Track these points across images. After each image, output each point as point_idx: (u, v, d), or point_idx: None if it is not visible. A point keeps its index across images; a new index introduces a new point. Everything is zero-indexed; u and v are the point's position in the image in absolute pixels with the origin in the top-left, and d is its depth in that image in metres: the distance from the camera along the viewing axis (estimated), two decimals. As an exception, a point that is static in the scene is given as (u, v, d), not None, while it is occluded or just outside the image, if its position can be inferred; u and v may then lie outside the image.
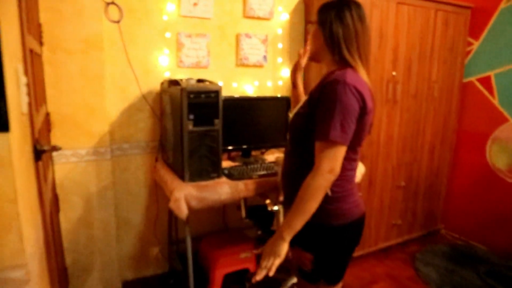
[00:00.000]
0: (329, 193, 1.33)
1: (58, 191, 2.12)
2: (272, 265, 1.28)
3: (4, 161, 0.89)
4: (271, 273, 1.28)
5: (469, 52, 3.03)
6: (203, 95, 1.91)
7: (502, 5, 2.76)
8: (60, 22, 2.00)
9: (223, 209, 2.67)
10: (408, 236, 3.07)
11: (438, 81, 2.90)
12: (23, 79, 1.14)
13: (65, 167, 2.12)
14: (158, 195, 2.44)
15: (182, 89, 1.87)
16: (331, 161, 1.25)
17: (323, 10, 1.42)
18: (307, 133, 1.35)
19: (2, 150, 0.88)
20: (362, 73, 1.37)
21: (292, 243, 1.33)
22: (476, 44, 2.98)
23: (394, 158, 2.80)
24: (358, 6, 1.40)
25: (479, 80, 2.97)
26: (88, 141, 2.16)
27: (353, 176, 1.45)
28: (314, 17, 1.46)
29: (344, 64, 1.37)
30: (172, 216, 2.49)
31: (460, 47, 2.99)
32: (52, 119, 2.05)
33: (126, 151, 2.35)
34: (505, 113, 2.78)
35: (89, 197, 2.20)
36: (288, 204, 1.47)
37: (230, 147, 2.37)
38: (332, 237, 1.40)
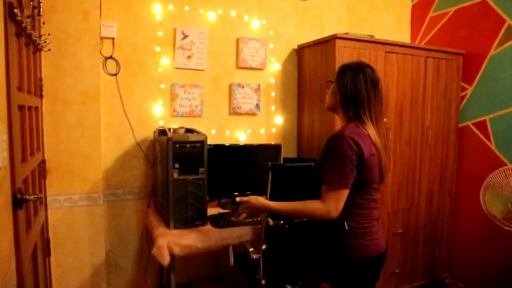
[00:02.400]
0: (346, 227, 1.53)
1: (51, 235, 2.19)
2: (245, 217, 1.70)
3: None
4: (241, 218, 1.71)
5: (463, 97, 3.05)
6: (188, 145, 1.98)
7: (492, 52, 2.80)
8: (60, 76, 2.15)
9: (216, 255, 2.67)
10: (409, 286, 2.96)
11: (432, 126, 2.91)
12: (3, 137, 1.24)
13: (58, 212, 2.19)
14: (149, 240, 2.48)
15: (168, 139, 1.95)
16: (334, 202, 1.47)
17: (342, 73, 1.61)
18: (319, 182, 1.57)
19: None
20: (370, 129, 1.55)
21: (312, 276, 1.64)
22: (470, 89, 3.00)
23: (389, 204, 2.77)
24: (373, 71, 1.61)
25: (475, 124, 2.97)
26: (82, 187, 2.24)
27: (371, 214, 1.59)
28: (333, 75, 1.68)
29: (352, 120, 1.57)
30: (163, 262, 2.51)
31: (454, 93, 3.02)
32: (49, 166, 2.16)
33: (119, 197, 2.43)
34: (502, 158, 2.74)
35: (81, 241, 2.26)
36: None
37: (219, 194, 2.42)
38: (349, 270, 1.56)
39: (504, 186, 2.29)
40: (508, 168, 2.31)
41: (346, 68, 1.61)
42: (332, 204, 1.46)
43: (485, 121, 2.89)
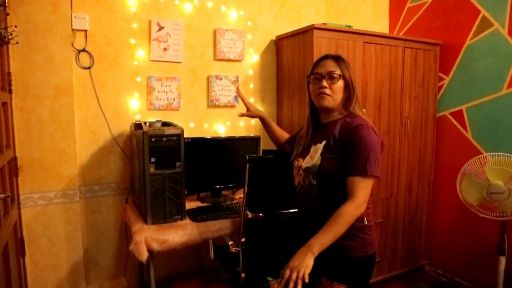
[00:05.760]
0: (365, 222, 1.49)
1: (25, 234, 2.13)
2: (301, 277, 1.26)
3: None
4: (299, 286, 1.26)
5: (441, 87, 3.09)
6: (164, 139, 1.95)
7: (468, 42, 2.84)
8: (31, 70, 2.09)
9: (197, 249, 2.65)
10: (389, 274, 3.00)
11: (410, 116, 2.94)
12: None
13: (32, 210, 2.14)
14: (128, 236, 2.43)
15: (144, 133, 1.91)
16: (367, 192, 1.42)
17: (346, 66, 1.55)
18: (338, 174, 1.46)
19: None
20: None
21: (321, 276, 1.47)
22: (447, 79, 3.04)
23: (369, 194, 2.79)
24: None
25: (452, 114, 3.00)
26: (57, 184, 2.19)
27: None
28: (332, 69, 1.53)
29: (350, 111, 1.55)
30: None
31: (431, 83, 3.05)
32: (21, 163, 2.09)
33: (96, 193, 2.38)
34: (478, 147, 2.79)
35: (57, 240, 2.21)
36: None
37: (198, 188, 2.40)
38: (366, 265, 1.54)
39: (479, 174, 2.33)
40: (483, 157, 2.34)
41: (343, 59, 1.56)
42: (362, 195, 1.39)
43: (461, 110, 2.93)
